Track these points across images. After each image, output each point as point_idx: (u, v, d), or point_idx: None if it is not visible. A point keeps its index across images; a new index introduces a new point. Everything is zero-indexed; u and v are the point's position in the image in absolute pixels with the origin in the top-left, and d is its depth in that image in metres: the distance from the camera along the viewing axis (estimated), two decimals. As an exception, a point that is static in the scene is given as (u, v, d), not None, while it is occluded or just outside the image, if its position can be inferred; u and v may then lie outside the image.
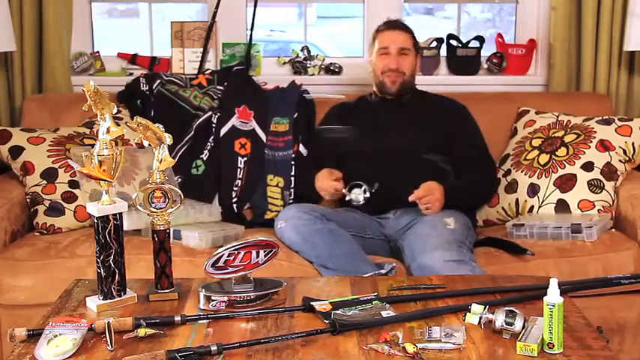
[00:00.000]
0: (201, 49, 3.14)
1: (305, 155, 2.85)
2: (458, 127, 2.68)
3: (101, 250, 1.71)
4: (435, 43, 3.26)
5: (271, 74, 3.18)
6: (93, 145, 1.71)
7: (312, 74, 3.20)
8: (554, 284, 1.50)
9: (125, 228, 1.85)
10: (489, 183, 2.72)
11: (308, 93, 2.97)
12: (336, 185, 2.51)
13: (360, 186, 2.49)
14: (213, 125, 2.86)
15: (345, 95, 2.98)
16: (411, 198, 2.44)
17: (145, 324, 1.58)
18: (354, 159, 2.62)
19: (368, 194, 2.48)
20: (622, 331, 2.42)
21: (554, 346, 1.48)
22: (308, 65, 3.21)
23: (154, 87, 2.93)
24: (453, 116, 2.71)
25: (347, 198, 2.50)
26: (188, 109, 2.89)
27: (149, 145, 1.74)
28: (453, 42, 3.27)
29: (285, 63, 3.25)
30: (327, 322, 1.60)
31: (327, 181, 2.53)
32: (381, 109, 2.75)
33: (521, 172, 2.71)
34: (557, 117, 2.83)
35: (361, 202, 2.49)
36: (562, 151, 2.68)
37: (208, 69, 3.12)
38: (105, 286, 1.72)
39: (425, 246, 2.28)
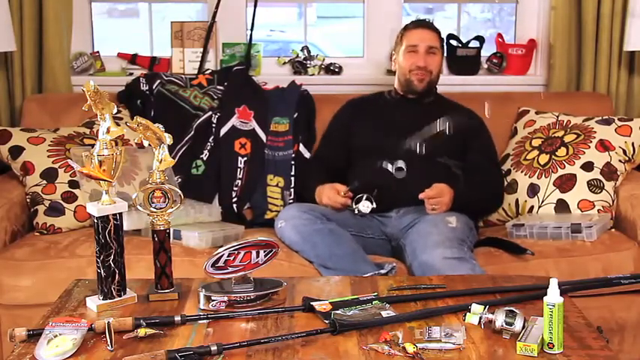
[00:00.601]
0: (201, 49, 3.13)
1: (312, 153, 2.85)
2: (472, 137, 2.69)
3: (101, 250, 1.71)
4: (435, 43, 3.26)
5: (271, 74, 3.18)
6: (93, 145, 1.71)
7: (312, 74, 3.20)
8: (554, 284, 1.50)
9: (125, 228, 1.85)
10: (497, 195, 2.71)
11: (308, 93, 2.97)
12: (346, 202, 2.52)
13: (364, 198, 2.51)
14: (213, 125, 2.86)
15: (345, 95, 2.97)
16: (421, 195, 2.46)
17: (145, 324, 1.58)
18: (366, 155, 2.62)
19: (374, 204, 2.50)
20: (622, 331, 2.42)
21: (554, 346, 1.48)
22: (308, 65, 3.20)
23: (154, 87, 2.93)
24: (468, 125, 2.71)
25: (355, 212, 2.52)
26: (188, 109, 2.89)
27: (149, 145, 1.74)
28: (453, 42, 3.27)
29: (285, 63, 3.24)
30: (327, 322, 1.60)
31: (336, 198, 2.52)
32: (399, 107, 2.74)
33: (521, 172, 2.71)
34: (557, 117, 2.83)
35: (368, 213, 2.51)
36: (562, 151, 2.68)
37: (208, 69, 3.12)
38: (105, 286, 1.72)
39: (426, 243, 2.28)
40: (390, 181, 2.55)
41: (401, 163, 2.57)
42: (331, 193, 2.54)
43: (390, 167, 2.57)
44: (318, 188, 2.60)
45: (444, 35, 3.24)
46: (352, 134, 2.74)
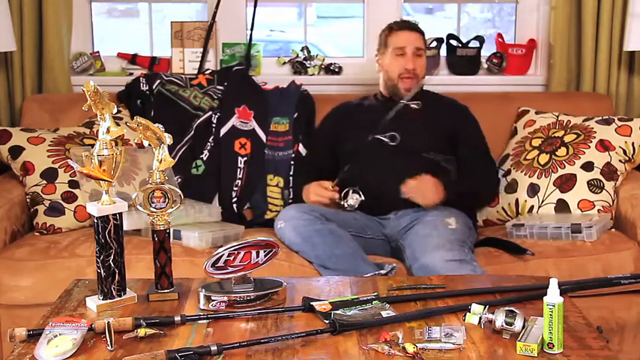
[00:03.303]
0: (201, 49, 3.14)
1: (304, 155, 2.85)
2: (460, 128, 2.68)
3: (101, 250, 1.71)
4: (435, 43, 3.26)
5: (271, 74, 3.18)
6: (93, 145, 1.71)
7: (312, 74, 3.20)
8: (554, 284, 1.50)
9: (125, 228, 1.84)
10: (490, 184, 2.71)
11: (308, 93, 2.97)
12: (333, 195, 2.54)
13: (352, 191, 2.53)
14: (213, 125, 2.86)
15: (345, 95, 2.97)
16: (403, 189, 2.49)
17: (144, 324, 1.58)
18: (354, 159, 2.62)
19: (362, 197, 2.52)
20: (622, 331, 2.42)
21: (554, 346, 1.48)
22: (308, 65, 3.20)
23: (154, 87, 2.93)
24: (454, 117, 2.71)
25: (345, 206, 2.53)
26: (188, 109, 2.89)
27: (149, 145, 1.74)
28: (453, 42, 3.27)
29: (285, 63, 3.25)
30: (327, 322, 1.60)
31: (324, 193, 2.54)
32: (383, 108, 2.74)
33: (521, 172, 2.71)
34: (557, 117, 2.83)
35: (356, 207, 2.53)
36: (562, 151, 2.68)
37: (208, 69, 3.12)
38: (105, 286, 1.72)
39: (426, 246, 2.28)
40: (381, 182, 2.55)
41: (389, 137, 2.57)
42: (318, 189, 2.56)
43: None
44: (305, 187, 2.61)
45: (443, 35, 3.26)
46: (340, 140, 2.73)
